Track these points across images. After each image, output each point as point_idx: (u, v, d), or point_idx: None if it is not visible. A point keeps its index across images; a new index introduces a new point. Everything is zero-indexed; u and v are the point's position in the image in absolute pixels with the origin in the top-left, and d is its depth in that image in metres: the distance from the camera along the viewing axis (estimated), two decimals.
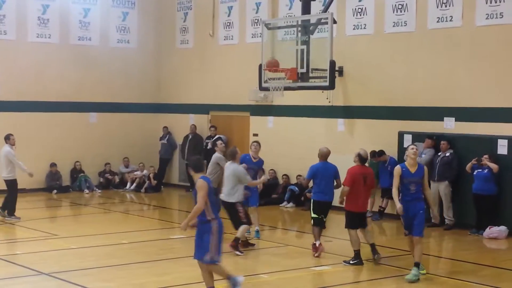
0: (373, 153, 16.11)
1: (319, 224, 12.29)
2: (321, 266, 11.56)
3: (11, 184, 15.68)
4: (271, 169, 18.72)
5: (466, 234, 14.46)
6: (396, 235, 14.96)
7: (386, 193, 16.06)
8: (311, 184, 12.90)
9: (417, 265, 10.56)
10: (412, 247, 10.85)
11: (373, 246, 11.74)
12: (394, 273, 11.09)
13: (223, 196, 12.48)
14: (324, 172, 12.09)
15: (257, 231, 13.85)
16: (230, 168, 12.54)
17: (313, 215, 12.34)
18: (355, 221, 11.75)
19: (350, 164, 11.95)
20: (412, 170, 10.65)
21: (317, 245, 12.19)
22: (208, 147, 20.10)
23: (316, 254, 12.13)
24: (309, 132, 18.03)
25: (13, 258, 11.75)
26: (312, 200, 12.55)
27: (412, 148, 10.82)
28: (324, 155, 12.32)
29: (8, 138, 15.76)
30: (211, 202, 8.88)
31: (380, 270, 11.26)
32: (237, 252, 12.28)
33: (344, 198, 11.74)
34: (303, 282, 10.74)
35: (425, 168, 10.86)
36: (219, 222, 8.95)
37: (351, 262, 11.52)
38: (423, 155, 15.37)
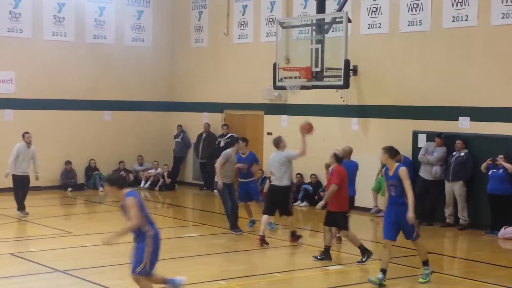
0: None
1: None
2: (335, 265, 11.54)
3: (13, 179, 15.82)
4: None
5: (480, 234, 14.40)
6: None
7: None
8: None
9: (425, 263, 10.43)
10: (385, 251, 10.28)
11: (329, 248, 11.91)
12: (408, 272, 11.07)
13: (274, 180, 13.04)
14: (347, 168, 12.34)
15: (271, 224, 14.23)
16: (279, 156, 13.03)
17: None
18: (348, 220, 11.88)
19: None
20: (390, 172, 10.19)
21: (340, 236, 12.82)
22: (220, 145, 20.17)
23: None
24: (323, 131, 17.94)
25: (28, 256, 11.83)
26: None
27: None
28: (347, 153, 12.77)
29: (23, 136, 15.89)
30: (145, 216, 8.36)
31: (394, 270, 11.21)
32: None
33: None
34: (317, 282, 10.74)
35: (402, 170, 10.01)
36: (155, 232, 8.41)
37: (363, 259, 11.53)
38: (434, 154, 15.34)
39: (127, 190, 8.32)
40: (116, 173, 8.38)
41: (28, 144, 15.83)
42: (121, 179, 8.51)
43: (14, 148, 15.78)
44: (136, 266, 8.35)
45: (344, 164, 12.38)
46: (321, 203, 11.78)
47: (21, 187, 15.89)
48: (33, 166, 15.89)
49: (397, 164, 10.30)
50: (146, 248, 8.31)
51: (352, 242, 11.77)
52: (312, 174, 18.10)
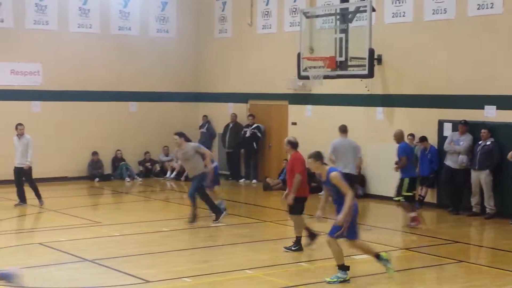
0: (413, 135, 16.10)
1: (410, 201, 13.55)
2: (360, 254, 11.55)
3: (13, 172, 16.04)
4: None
5: (507, 223, 14.31)
6: (436, 224, 14.89)
7: (425, 181, 16.00)
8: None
9: (340, 267, 9.78)
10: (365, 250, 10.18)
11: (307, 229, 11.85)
12: (434, 262, 11.07)
13: (341, 168, 13.06)
14: (411, 151, 12.59)
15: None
16: (348, 142, 13.52)
17: (406, 193, 13.35)
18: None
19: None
20: (323, 178, 9.84)
21: (416, 216, 13.50)
22: (246, 135, 20.34)
23: (415, 225, 13.42)
24: (348, 121, 17.88)
25: (57, 245, 11.99)
26: (406, 179, 13.36)
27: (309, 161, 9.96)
28: (401, 136, 13.44)
29: (16, 128, 15.89)
30: None
31: (419, 259, 11.24)
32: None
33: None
34: None
35: (332, 176, 9.62)
36: None
37: (292, 248, 11.54)
38: (460, 143, 15.26)
39: None
40: None
41: (20, 136, 15.77)
42: None
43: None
44: None
45: (408, 146, 12.94)
46: (290, 197, 11.44)
47: (26, 179, 15.94)
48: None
49: (328, 168, 9.83)
50: None
51: (295, 227, 11.65)
52: None
